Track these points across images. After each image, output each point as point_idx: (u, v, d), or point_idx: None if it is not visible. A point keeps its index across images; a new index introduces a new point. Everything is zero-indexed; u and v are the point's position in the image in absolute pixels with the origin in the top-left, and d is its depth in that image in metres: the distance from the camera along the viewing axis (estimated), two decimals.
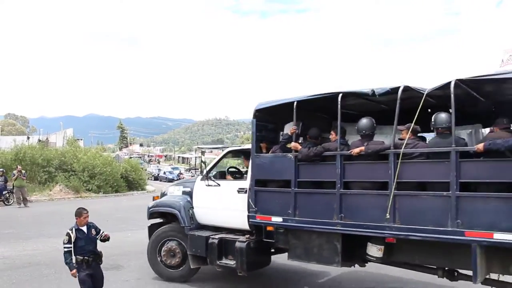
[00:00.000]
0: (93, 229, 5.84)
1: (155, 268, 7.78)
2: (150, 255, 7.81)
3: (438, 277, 5.78)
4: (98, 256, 5.84)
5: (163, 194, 8.37)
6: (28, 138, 37.60)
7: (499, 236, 4.59)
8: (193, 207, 7.55)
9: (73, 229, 5.70)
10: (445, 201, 4.91)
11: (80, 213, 5.79)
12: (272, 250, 7.11)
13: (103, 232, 5.90)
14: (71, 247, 5.62)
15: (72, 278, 5.74)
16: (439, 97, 5.58)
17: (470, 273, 5.04)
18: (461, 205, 4.81)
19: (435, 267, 5.75)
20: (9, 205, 19.57)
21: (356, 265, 6.44)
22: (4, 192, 19.81)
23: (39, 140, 35.69)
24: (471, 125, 6.38)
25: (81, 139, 48.83)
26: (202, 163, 7.59)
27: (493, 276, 5.37)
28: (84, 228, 5.77)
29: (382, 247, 5.66)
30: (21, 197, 18.95)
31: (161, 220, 8.15)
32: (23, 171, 20.19)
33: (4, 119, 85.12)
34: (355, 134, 6.07)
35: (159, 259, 7.72)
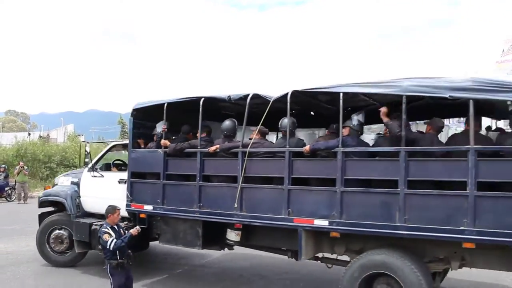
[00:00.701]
0: (121, 229, 5.81)
1: (43, 255, 8.25)
2: (39, 242, 8.25)
3: (288, 257, 6.69)
4: (130, 257, 5.76)
5: (54, 185, 8.83)
6: (29, 134, 36.71)
7: (317, 222, 5.55)
8: (80, 196, 8.09)
9: (108, 227, 5.62)
10: (280, 193, 5.80)
11: (114, 210, 5.73)
12: (157, 236, 7.80)
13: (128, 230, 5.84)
14: (115, 238, 5.52)
15: (74, 274, 6.53)
16: (296, 103, 6.46)
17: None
18: (291, 197, 5.73)
19: (284, 248, 6.66)
20: (11, 201, 19.38)
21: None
22: (6, 189, 19.63)
23: (40, 136, 35.57)
24: (314, 128, 7.33)
25: (82, 135, 47.75)
26: (87, 155, 8.12)
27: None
28: (115, 227, 5.72)
29: (239, 232, 6.50)
30: (22, 193, 18.77)
31: (53, 209, 8.60)
32: (25, 167, 19.94)
33: (4, 116, 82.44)
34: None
35: (47, 246, 8.21)
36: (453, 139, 5.35)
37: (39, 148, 26.17)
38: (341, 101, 5.45)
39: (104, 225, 5.71)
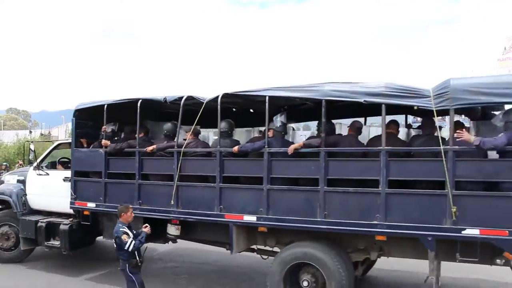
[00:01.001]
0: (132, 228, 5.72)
1: None
2: None
3: (226, 249, 7.04)
4: (142, 258, 5.75)
5: (0, 182, 8.93)
6: (30, 132, 35.70)
7: (247, 218, 5.92)
8: (26, 194, 8.21)
9: (125, 227, 5.53)
10: (213, 191, 6.13)
11: (127, 208, 5.65)
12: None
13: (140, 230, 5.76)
14: (133, 238, 5.45)
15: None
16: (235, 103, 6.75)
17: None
18: (223, 194, 6.07)
19: (222, 242, 7.00)
20: None
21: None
22: None
23: (41, 134, 35.56)
24: (240, 128, 7.66)
25: None
26: (31, 153, 8.25)
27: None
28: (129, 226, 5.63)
29: (179, 226, 6.81)
30: None
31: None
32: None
33: (6, 114, 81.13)
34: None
35: None
36: (372, 140, 5.76)
37: (40, 146, 25.70)
38: (267, 104, 5.80)
39: (120, 225, 5.54)
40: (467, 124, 6.12)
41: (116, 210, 6.72)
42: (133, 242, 5.40)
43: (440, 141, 5.05)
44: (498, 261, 5.20)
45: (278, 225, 5.80)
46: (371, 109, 6.34)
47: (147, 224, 5.78)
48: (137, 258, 5.53)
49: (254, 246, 6.74)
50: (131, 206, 5.86)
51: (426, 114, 5.60)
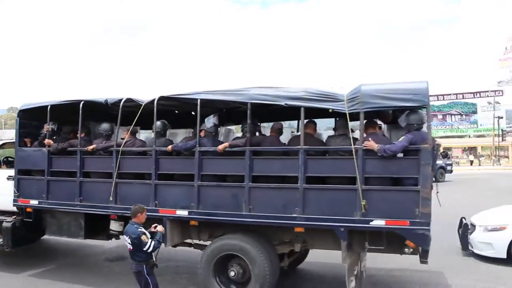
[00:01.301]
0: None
1: None
2: None
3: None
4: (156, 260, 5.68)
5: None
6: None
7: (179, 212, 6.32)
8: None
9: (142, 228, 5.43)
10: (148, 187, 6.52)
11: (142, 209, 5.56)
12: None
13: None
14: (152, 239, 5.37)
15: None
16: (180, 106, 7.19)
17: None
18: (158, 190, 6.48)
19: None
20: None
21: None
22: None
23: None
24: (184, 129, 8.09)
25: None
26: None
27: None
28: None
29: (123, 222, 7.11)
30: None
31: None
32: None
33: (7, 113, 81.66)
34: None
35: None
36: (292, 140, 6.27)
37: None
38: (198, 107, 6.25)
39: (136, 225, 5.42)
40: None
41: (58, 207, 7.03)
42: (153, 242, 5.32)
43: (352, 141, 5.59)
44: (406, 250, 5.76)
45: (207, 218, 6.22)
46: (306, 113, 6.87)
47: (156, 224, 5.72)
48: (154, 259, 5.50)
49: (190, 241, 7.10)
50: (145, 207, 5.75)
51: (341, 116, 6.12)
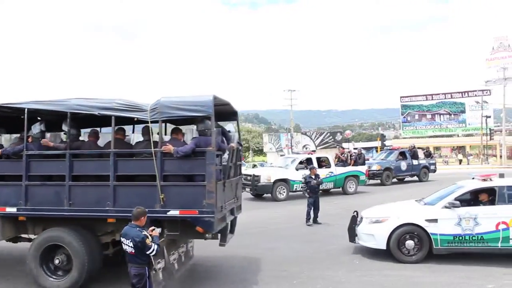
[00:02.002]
0: None
1: None
2: None
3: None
4: None
5: None
6: None
7: (9, 209, 7.15)
8: None
9: (144, 231, 5.42)
10: None
11: (144, 212, 5.62)
12: None
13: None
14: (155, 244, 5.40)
15: None
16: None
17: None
18: None
19: None
20: None
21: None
22: None
23: None
24: None
25: None
26: None
27: None
28: None
29: None
30: None
31: None
32: None
33: None
34: None
35: None
36: (106, 144, 7.24)
37: None
38: (25, 115, 7.09)
39: (139, 228, 5.44)
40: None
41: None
42: (156, 246, 5.39)
43: (152, 145, 6.67)
44: (207, 235, 6.93)
45: (33, 214, 7.10)
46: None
47: (154, 227, 5.70)
48: (153, 262, 5.68)
49: (27, 236, 7.88)
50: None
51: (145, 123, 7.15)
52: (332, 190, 20.18)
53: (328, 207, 15.45)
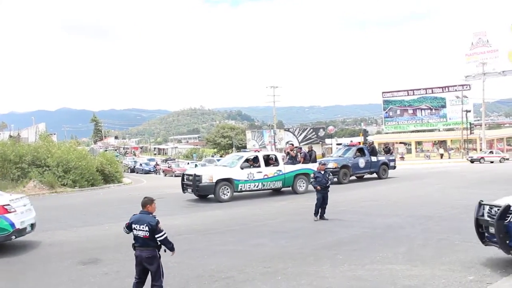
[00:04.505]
0: None
1: None
2: None
3: None
4: None
5: None
6: None
7: None
8: None
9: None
10: None
11: (151, 201, 5.74)
12: None
13: None
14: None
15: (47, 275, 6.75)
16: None
17: None
18: None
19: None
20: None
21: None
22: None
23: (10, 136, 34.69)
24: None
25: (54, 134, 47.38)
26: None
27: None
28: None
29: None
30: None
31: None
32: None
33: None
34: None
35: None
36: None
37: (10, 148, 25.33)
38: None
39: (150, 214, 5.66)
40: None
41: None
42: (165, 233, 5.63)
43: None
44: None
45: None
46: None
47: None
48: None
49: None
50: (154, 199, 5.93)
51: None
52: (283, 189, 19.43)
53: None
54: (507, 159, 46.01)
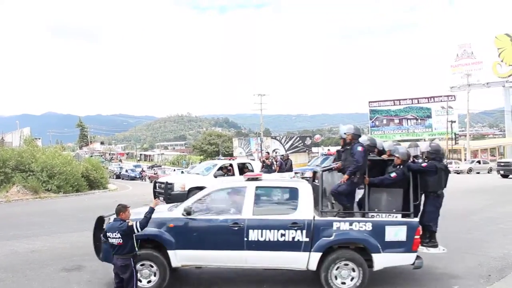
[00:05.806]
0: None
1: None
2: None
3: None
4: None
5: None
6: None
7: None
8: None
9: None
10: None
11: (125, 208, 5.80)
12: None
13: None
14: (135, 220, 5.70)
15: (29, 282, 6.71)
16: None
17: None
18: None
19: None
20: None
21: None
22: None
23: None
24: None
25: (39, 138, 46.05)
26: None
27: None
28: None
29: None
30: None
31: None
32: None
33: None
34: None
35: None
36: None
37: None
38: None
39: (119, 221, 5.74)
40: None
41: None
42: (137, 221, 5.70)
43: None
44: None
45: None
46: None
47: (156, 200, 6.13)
48: (137, 250, 5.83)
49: None
50: (129, 206, 6.01)
51: None
52: None
53: None
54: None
